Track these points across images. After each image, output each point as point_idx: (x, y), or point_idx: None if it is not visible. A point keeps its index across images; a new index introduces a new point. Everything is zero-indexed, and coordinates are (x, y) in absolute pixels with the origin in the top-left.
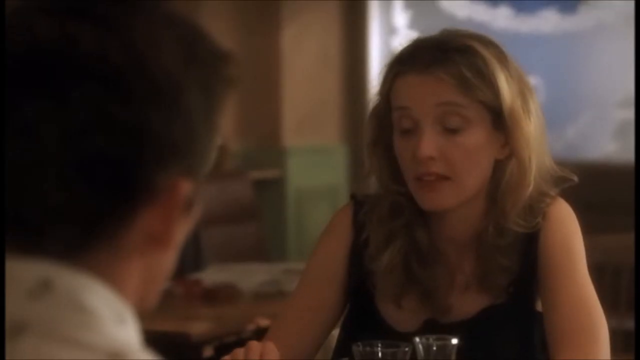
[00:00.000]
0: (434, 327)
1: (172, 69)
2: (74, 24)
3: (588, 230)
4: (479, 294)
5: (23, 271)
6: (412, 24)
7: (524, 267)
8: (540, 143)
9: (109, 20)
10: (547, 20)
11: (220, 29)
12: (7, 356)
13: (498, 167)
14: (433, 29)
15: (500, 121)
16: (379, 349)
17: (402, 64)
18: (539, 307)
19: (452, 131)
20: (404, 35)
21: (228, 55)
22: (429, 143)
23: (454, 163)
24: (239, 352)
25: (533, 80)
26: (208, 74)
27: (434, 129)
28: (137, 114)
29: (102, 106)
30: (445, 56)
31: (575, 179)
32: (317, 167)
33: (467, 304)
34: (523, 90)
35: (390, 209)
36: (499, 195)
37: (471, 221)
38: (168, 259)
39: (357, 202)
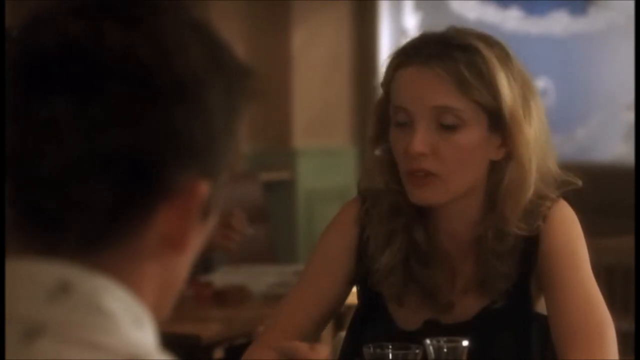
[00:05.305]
0: (434, 327)
1: (197, 69)
2: (102, 22)
3: (598, 232)
4: (478, 296)
5: (41, 272)
6: (423, 26)
7: (523, 270)
8: (542, 147)
9: (136, 20)
10: (558, 22)
11: (231, 30)
12: (25, 358)
13: (496, 169)
14: None
15: (497, 123)
16: (390, 350)
17: (404, 55)
18: (538, 308)
19: (446, 129)
20: None
21: (249, 68)
22: (422, 139)
23: (445, 161)
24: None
25: (543, 82)
26: (230, 79)
27: (428, 127)
28: (160, 111)
29: (125, 102)
30: (446, 52)
31: (580, 183)
32: (327, 169)
33: (466, 305)
34: (525, 93)
35: (389, 208)
36: (498, 199)
37: (468, 218)
38: (183, 265)
39: (363, 197)
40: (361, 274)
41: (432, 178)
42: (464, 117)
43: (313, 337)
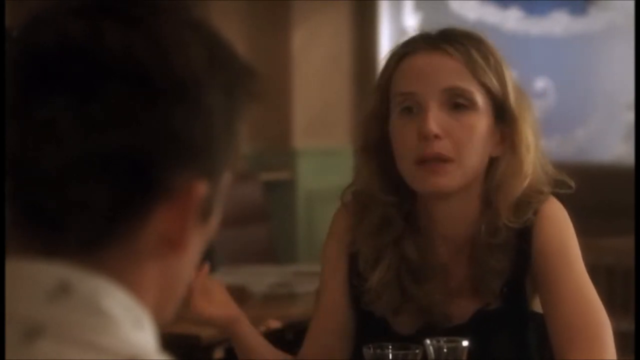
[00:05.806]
0: (431, 332)
1: (196, 69)
2: (102, 22)
3: (598, 232)
4: (473, 297)
5: (41, 272)
6: (423, 26)
7: (516, 266)
8: (537, 141)
9: (136, 20)
10: (558, 22)
11: (231, 30)
12: (25, 358)
13: (493, 167)
14: None
15: (501, 115)
16: (390, 351)
17: (406, 47)
18: (535, 307)
19: (457, 109)
20: None
21: (251, 69)
22: (435, 120)
23: (458, 143)
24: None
25: (543, 82)
26: (231, 79)
27: (439, 109)
28: (159, 111)
29: (125, 102)
30: (453, 37)
31: (573, 184)
32: (327, 169)
33: (461, 308)
34: (518, 86)
35: (379, 222)
36: (493, 193)
37: (464, 219)
38: (184, 266)
39: (353, 208)
40: (352, 289)
41: (446, 163)
42: (474, 99)
43: (349, 346)
